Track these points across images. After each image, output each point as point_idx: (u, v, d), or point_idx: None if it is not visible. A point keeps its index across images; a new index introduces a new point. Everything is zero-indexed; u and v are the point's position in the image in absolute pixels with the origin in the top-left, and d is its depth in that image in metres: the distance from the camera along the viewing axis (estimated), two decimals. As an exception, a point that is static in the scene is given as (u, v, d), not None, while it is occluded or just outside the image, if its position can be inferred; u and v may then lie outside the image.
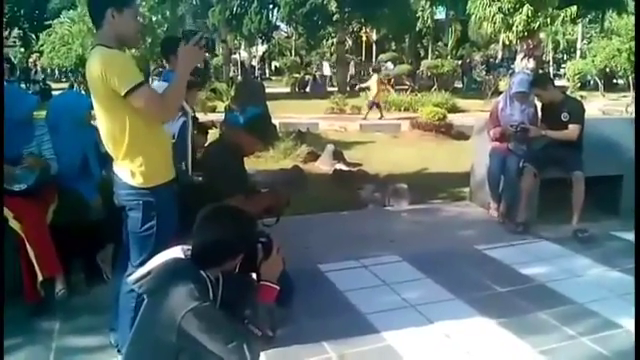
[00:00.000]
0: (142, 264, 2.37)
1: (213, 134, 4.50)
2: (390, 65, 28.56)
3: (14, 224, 2.99)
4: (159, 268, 1.88)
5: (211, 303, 1.82)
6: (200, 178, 2.90)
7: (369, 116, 14.65)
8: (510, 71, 21.48)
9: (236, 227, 1.92)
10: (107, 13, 2.27)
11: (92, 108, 2.56)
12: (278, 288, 2.01)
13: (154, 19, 17.90)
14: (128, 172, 2.34)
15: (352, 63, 29.33)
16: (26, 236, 3.00)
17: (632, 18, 19.93)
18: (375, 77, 15.53)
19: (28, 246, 2.99)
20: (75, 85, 18.71)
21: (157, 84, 3.48)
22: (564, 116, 4.65)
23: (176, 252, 1.93)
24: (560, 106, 4.71)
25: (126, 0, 2.31)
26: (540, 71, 13.68)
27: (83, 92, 16.47)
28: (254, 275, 2.08)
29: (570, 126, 4.62)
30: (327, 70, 29.25)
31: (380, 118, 14.40)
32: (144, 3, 16.49)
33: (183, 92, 2.40)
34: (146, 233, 2.39)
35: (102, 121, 2.35)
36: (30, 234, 3.00)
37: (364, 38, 34.12)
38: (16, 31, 28.79)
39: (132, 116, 2.26)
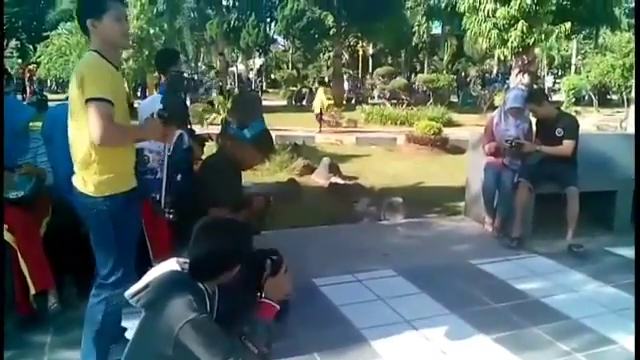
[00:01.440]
0: (108, 276, 2.38)
1: (209, 146, 4.52)
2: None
3: (7, 236, 2.97)
4: (157, 281, 1.88)
5: (209, 315, 1.82)
6: (171, 216, 2.86)
7: (365, 128, 14.71)
8: (505, 86, 21.64)
9: (233, 240, 1.93)
10: (87, 23, 2.29)
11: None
12: (278, 307, 2.00)
13: (151, 32, 17.96)
14: (84, 181, 2.31)
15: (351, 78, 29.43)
16: (19, 248, 2.98)
17: (625, 35, 20.17)
18: (321, 90, 15.81)
19: (20, 258, 2.97)
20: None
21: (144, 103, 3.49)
22: (558, 132, 4.68)
23: (172, 265, 1.93)
24: (554, 122, 4.74)
25: (102, 8, 2.30)
26: (535, 86, 13.77)
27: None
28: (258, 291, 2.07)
29: (564, 142, 4.65)
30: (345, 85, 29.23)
31: (319, 132, 14.50)
32: (142, 16, 16.55)
33: (131, 141, 2.43)
34: (107, 244, 2.36)
35: (71, 128, 2.33)
36: (23, 246, 2.99)
37: (361, 52, 34.35)
38: (14, 42, 28.85)
39: None
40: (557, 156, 4.65)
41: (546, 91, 11.50)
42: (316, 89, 27.97)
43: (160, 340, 1.77)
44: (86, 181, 2.30)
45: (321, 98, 15.36)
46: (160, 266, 1.95)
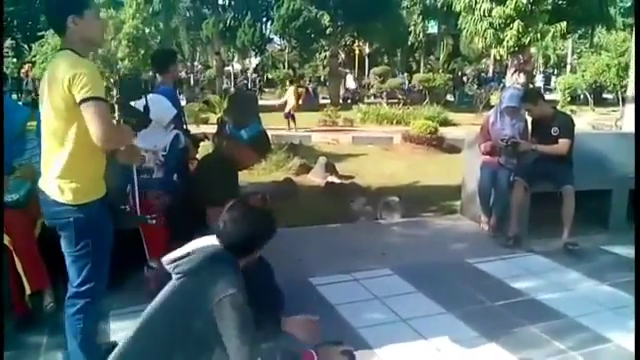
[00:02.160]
0: (82, 284, 2.35)
1: (204, 146, 4.51)
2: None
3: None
4: (200, 251, 1.92)
5: (246, 297, 1.85)
6: (154, 221, 2.85)
7: (362, 128, 14.71)
8: (501, 85, 21.68)
9: (263, 217, 2.11)
10: (68, 20, 2.22)
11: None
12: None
13: (147, 31, 17.92)
14: (61, 189, 2.25)
15: (349, 76, 29.36)
16: (14, 248, 2.97)
17: (621, 34, 20.26)
18: (292, 89, 15.82)
19: (16, 259, 2.97)
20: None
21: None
22: (554, 131, 4.69)
23: (212, 240, 2.00)
24: (550, 121, 4.76)
25: (85, 3, 2.26)
26: (531, 85, 13.81)
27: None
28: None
29: (560, 141, 4.66)
30: (351, 83, 29.13)
31: (290, 129, 14.47)
32: (137, 15, 16.51)
33: (128, 141, 2.43)
34: (81, 252, 2.32)
35: (45, 131, 2.28)
36: (18, 247, 2.98)
37: (357, 51, 34.34)
38: (9, 42, 28.74)
39: (78, 129, 2.18)
40: (553, 155, 4.67)
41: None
42: (313, 89, 28.07)
43: (191, 310, 1.77)
44: (63, 189, 2.24)
45: (290, 97, 15.34)
46: (201, 239, 1.99)
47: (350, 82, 28.84)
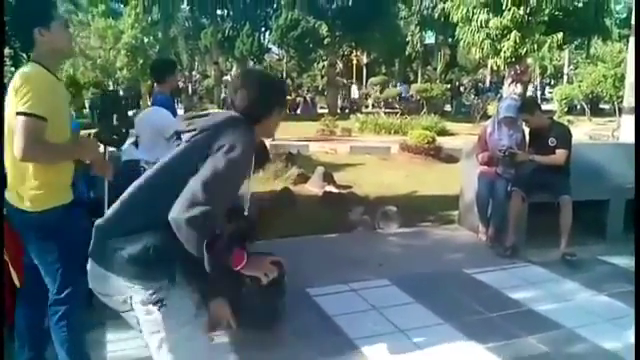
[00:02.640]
0: (59, 291, 2.35)
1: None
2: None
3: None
4: (217, 114, 1.91)
5: (244, 166, 1.80)
6: None
7: (360, 137, 14.72)
8: (498, 95, 21.79)
9: (276, 82, 2.07)
10: (35, 32, 2.22)
11: (80, 128, 2.57)
12: (244, 263, 1.77)
13: (146, 41, 17.99)
14: (20, 197, 2.24)
15: (354, 87, 29.50)
16: (9, 255, 2.95)
17: (617, 45, 20.40)
18: None
19: (11, 266, 2.94)
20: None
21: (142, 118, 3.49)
22: (551, 141, 4.71)
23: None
24: (547, 131, 4.77)
25: (51, 14, 2.26)
26: (528, 95, 13.88)
27: (72, 112, 16.46)
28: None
29: (557, 151, 4.68)
30: (355, 94, 29.13)
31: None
32: (136, 25, 16.58)
33: (59, 160, 2.33)
34: (49, 259, 2.31)
35: (6, 141, 2.26)
36: (12, 254, 2.96)
37: (355, 61, 34.51)
38: (7, 50, 28.79)
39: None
40: (550, 165, 4.68)
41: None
42: (311, 98, 28.16)
43: (195, 161, 1.72)
44: (22, 197, 2.24)
45: None
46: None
47: (355, 92, 28.96)
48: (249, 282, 2.14)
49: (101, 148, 2.60)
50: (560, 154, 4.68)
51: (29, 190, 2.23)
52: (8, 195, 2.31)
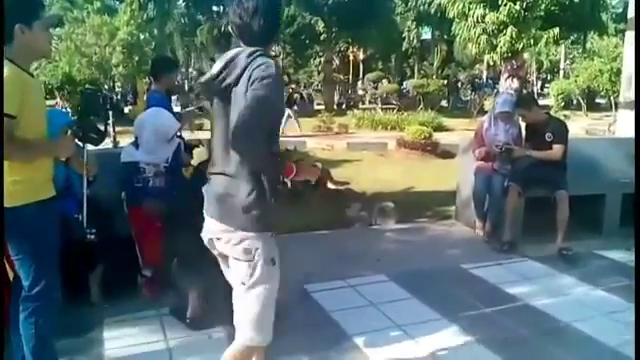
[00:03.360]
0: (31, 287, 2.34)
1: (198, 153, 4.50)
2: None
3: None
4: (235, 58, 1.99)
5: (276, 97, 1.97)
6: (92, 237, 2.82)
7: (357, 133, 14.72)
8: (495, 91, 21.78)
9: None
10: (16, 29, 2.18)
11: (72, 126, 2.56)
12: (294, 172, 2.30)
13: (142, 37, 17.92)
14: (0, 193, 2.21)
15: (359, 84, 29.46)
16: (5, 255, 2.95)
17: (613, 40, 20.42)
18: None
19: (7, 265, 2.94)
20: (61, 102, 18.62)
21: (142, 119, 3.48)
22: (548, 136, 4.72)
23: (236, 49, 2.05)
24: (544, 126, 4.78)
25: (35, 13, 2.24)
26: (524, 91, 13.88)
27: (69, 110, 16.37)
28: None
29: (554, 146, 4.69)
30: (360, 91, 29.05)
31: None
32: (132, 21, 16.50)
33: (34, 157, 2.31)
34: (23, 254, 2.31)
35: None
36: (8, 253, 2.95)
37: (351, 57, 34.43)
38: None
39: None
40: (547, 160, 4.69)
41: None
42: (308, 95, 28.10)
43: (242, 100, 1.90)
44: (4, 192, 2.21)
45: None
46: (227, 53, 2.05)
47: (360, 89, 29.02)
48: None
49: (80, 145, 2.59)
50: (557, 149, 4.69)
51: (7, 186, 2.21)
52: None
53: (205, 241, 2.16)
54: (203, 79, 2.08)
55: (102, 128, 2.62)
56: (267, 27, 2.02)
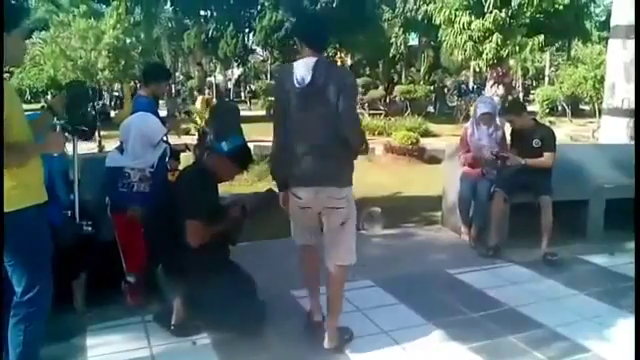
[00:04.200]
0: (24, 293, 2.32)
1: (185, 157, 4.48)
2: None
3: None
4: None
5: None
6: (90, 228, 2.80)
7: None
8: (481, 97, 21.93)
9: None
10: None
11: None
12: None
13: (128, 41, 17.80)
14: None
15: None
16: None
17: (597, 47, 20.68)
18: (200, 99, 15.77)
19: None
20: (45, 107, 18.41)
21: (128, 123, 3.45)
22: (535, 142, 4.76)
23: None
24: (531, 132, 4.82)
25: (15, 22, 2.22)
26: (510, 97, 13.99)
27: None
28: None
29: (545, 154, 4.74)
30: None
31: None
32: (118, 25, 16.40)
33: (28, 159, 2.28)
34: (18, 260, 2.29)
35: None
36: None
37: (339, 63, 34.52)
38: None
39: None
40: (533, 166, 4.72)
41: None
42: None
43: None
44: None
45: (201, 107, 14.98)
46: None
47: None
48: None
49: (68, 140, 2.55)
50: (548, 157, 4.74)
51: (5, 191, 2.19)
52: None
53: (302, 206, 2.94)
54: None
55: (91, 121, 2.58)
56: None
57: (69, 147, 2.78)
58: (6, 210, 2.20)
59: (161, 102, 5.13)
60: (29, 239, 2.28)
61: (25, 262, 2.30)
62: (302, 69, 2.73)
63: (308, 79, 2.69)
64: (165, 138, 3.74)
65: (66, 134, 2.46)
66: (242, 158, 3.20)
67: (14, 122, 2.18)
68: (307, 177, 2.83)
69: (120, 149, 3.49)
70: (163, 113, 4.67)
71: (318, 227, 3.01)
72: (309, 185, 2.84)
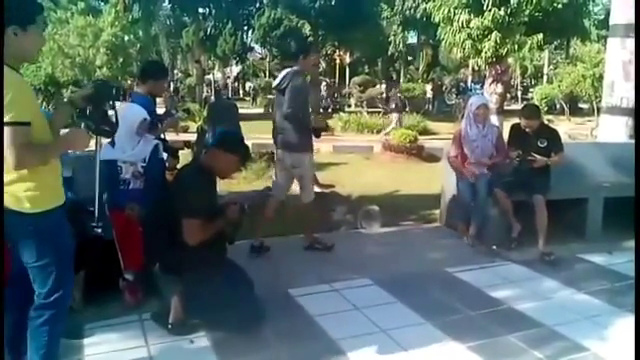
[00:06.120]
0: (49, 295, 2.30)
1: (184, 154, 4.47)
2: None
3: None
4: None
5: None
6: (100, 230, 2.78)
7: (342, 136, 14.72)
8: (480, 95, 21.93)
9: None
10: (9, 31, 2.11)
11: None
12: None
13: (126, 39, 17.78)
14: (18, 198, 2.17)
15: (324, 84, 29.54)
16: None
17: (595, 45, 20.70)
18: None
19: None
20: (44, 104, 18.37)
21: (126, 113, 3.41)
22: (541, 142, 4.76)
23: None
24: (537, 132, 4.80)
25: (32, 17, 2.19)
26: (508, 95, 14.02)
27: (51, 111, 16.19)
28: None
29: (558, 154, 4.79)
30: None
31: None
32: (116, 23, 16.37)
33: (52, 158, 2.27)
34: (45, 261, 2.26)
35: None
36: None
37: (338, 61, 34.52)
38: None
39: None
40: (530, 165, 4.72)
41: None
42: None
43: None
44: (19, 198, 2.16)
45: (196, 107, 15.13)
46: None
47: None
48: None
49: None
50: (561, 157, 4.81)
51: (30, 192, 2.17)
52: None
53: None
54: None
55: (114, 120, 2.55)
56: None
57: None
58: (30, 211, 2.17)
59: (159, 100, 5.12)
60: (57, 240, 2.27)
61: (52, 263, 2.28)
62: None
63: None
64: (162, 136, 3.72)
65: (90, 133, 2.42)
66: (239, 150, 3.17)
67: (36, 121, 2.15)
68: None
69: (112, 143, 3.47)
70: (161, 111, 4.65)
71: None
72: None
